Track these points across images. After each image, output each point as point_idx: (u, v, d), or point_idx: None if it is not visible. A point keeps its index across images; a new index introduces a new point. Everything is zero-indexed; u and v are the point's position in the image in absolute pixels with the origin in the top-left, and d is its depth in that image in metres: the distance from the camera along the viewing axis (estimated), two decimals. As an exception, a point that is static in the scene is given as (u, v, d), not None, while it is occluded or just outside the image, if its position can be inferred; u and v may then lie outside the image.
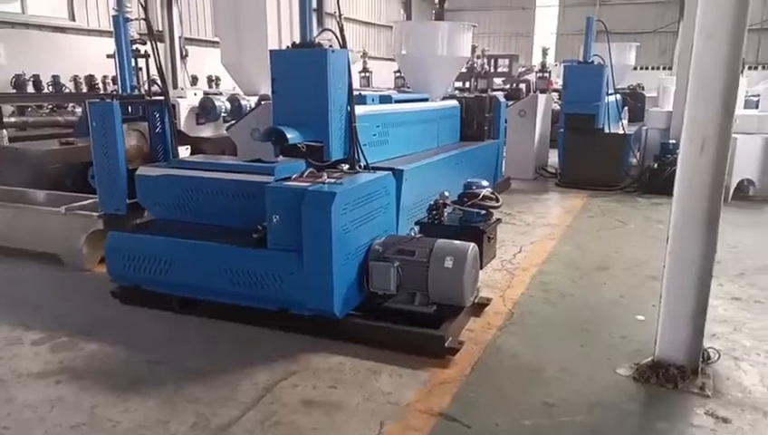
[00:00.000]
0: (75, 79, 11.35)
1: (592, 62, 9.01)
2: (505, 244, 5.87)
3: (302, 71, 4.49)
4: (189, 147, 6.76)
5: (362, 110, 5.24)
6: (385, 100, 6.11)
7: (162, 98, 5.08)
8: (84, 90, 11.19)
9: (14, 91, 10.24)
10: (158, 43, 14.71)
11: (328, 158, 4.66)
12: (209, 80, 13.92)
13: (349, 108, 4.81)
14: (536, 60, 24.85)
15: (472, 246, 3.95)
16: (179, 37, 14.87)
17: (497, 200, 5.33)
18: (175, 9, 14.31)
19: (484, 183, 5.39)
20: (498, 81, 17.67)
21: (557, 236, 6.44)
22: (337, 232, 3.66)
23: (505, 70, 18.91)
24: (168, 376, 3.41)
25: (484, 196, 5.21)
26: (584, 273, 5.24)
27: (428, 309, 3.92)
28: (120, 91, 5.14)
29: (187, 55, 14.77)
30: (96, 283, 4.62)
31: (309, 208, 3.68)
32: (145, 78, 5.45)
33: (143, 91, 5.27)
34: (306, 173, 4.28)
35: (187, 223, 4.49)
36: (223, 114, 7.15)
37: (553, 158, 10.83)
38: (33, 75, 10.66)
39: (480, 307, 4.28)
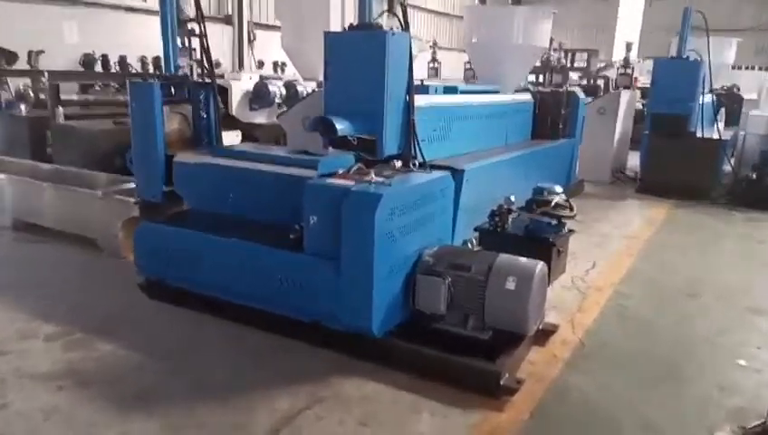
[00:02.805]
0: (143, 59, 11.37)
1: (687, 57, 8.04)
2: (577, 257, 5.19)
3: (358, 55, 4.01)
4: (240, 132, 6.43)
5: (423, 101, 4.70)
6: (450, 90, 5.53)
7: (209, 80, 4.73)
8: (151, 70, 11.19)
9: (83, 69, 10.31)
10: (227, 26, 14.64)
11: (381, 153, 4.19)
12: (275, 65, 13.72)
13: (408, 98, 4.31)
14: (617, 56, 23.42)
15: (540, 265, 3.35)
16: (248, 21, 14.81)
17: (571, 209, 4.67)
18: (244, -8, 14.25)
19: (558, 189, 4.74)
20: (575, 76, 16.64)
21: (636, 251, 5.68)
22: (381, 239, 3.15)
23: (583, 65, 17.81)
24: (179, 391, 3.02)
25: (556, 204, 4.57)
26: (669, 299, 4.51)
27: (483, 335, 3.36)
28: (165, 72, 4.81)
29: (254, 39, 14.70)
30: (128, 272, 4.33)
31: (350, 211, 3.19)
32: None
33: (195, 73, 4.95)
34: (353, 169, 3.80)
35: (224, 216, 4.11)
36: (277, 100, 6.79)
37: (633, 161, 9.91)
38: (103, 54, 10.72)
39: (545, 334, 3.67)
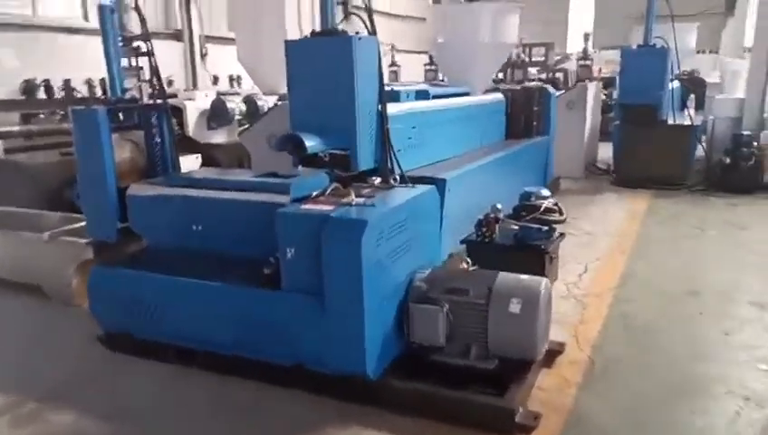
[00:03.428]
0: (89, 82, 10.74)
1: (654, 45, 7.93)
2: (567, 261, 4.93)
3: (323, 63, 3.68)
4: (200, 155, 6.01)
5: (395, 109, 4.38)
6: (422, 96, 5.23)
7: (160, 102, 4.31)
8: (99, 94, 10.58)
9: (24, 97, 9.64)
10: (176, 42, 14.02)
11: (355, 168, 3.86)
12: (230, 79, 13.23)
13: (380, 107, 4.00)
14: (571, 48, 23.61)
15: (544, 283, 3.05)
16: (199, 36, 14.27)
17: (561, 213, 4.43)
18: (193, 5, 13.70)
19: (545, 192, 4.50)
20: (533, 70, 16.63)
21: (626, 248, 5.47)
22: (369, 270, 2.80)
23: (541, 59, 17.84)
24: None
25: (546, 208, 4.32)
26: (671, 300, 4.28)
27: (488, 364, 3.04)
28: (110, 96, 4.36)
29: (206, 54, 14.15)
30: (83, 323, 3.86)
31: (332, 241, 2.83)
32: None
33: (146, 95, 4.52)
34: (329, 190, 3.45)
35: (188, 253, 3.69)
36: (237, 117, 6.40)
37: (603, 152, 9.81)
38: (45, 80, 10.06)
39: (551, 354, 3.37)
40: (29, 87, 9.79)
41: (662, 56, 7.82)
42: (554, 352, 3.39)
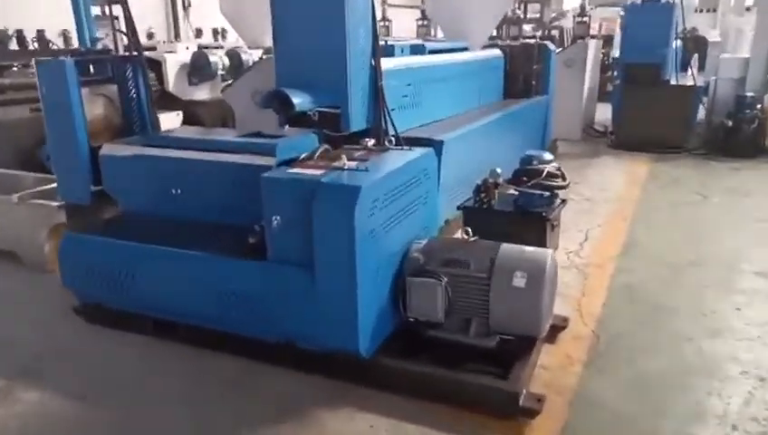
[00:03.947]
0: (64, 34, 10.21)
1: (658, 0, 7.57)
2: (567, 228, 4.72)
3: (312, 12, 3.37)
4: (181, 112, 5.66)
5: (390, 64, 4.08)
6: (417, 50, 4.90)
7: (135, 53, 3.96)
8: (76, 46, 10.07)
9: (-6, 48, 9.13)
10: (157, -8, 13.27)
11: (346, 128, 3.61)
12: (215, 32, 12.68)
13: (374, 62, 3.71)
14: (567, 4, 23.00)
15: (550, 255, 2.84)
16: (181, -15, 13.60)
17: (564, 178, 4.18)
18: (175, -47, 13.02)
19: (547, 156, 4.23)
20: (528, 27, 16.15)
21: (628, 215, 5.27)
22: (362, 240, 2.57)
23: (536, 15, 17.33)
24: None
25: (548, 173, 4.07)
26: (675, 270, 4.10)
27: (489, 342, 2.85)
28: (80, 46, 4.01)
29: (189, 5, 13.53)
30: (59, 292, 3.62)
31: (322, 209, 2.58)
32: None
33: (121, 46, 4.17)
34: (318, 153, 3.18)
35: (166, 219, 3.44)
36: (220, 72, 6.03)
37: (600, 114, 9.54)
38: (17, 30, 9.53)
39: (554, 329, 3.18)
40: (0, 38, 9.27)
41: (667, 12, 7.48)
42: (557, 328, 3.21)
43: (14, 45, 9.50)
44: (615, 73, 8.81)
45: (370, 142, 3.37)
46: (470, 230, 3.02)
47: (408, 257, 2.94)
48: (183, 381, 2.91)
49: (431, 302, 2.78)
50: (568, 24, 16.44)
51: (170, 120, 5.43)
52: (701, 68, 9.93)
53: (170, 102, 5.68)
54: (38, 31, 9.64)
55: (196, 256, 3.01)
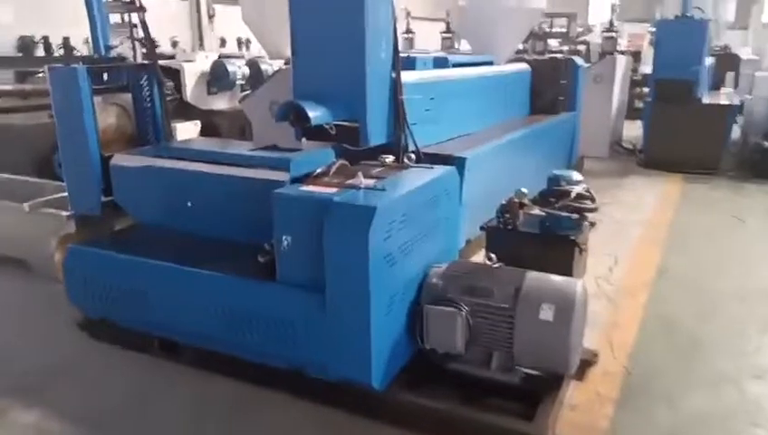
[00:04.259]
0: (89, 41, 10.26)
1: (691, 16, 7.32)
2: (594, 251, 4.45)
3: (331, 22, 3.23)
4: (199, 122, 5.56)
5: (411, 77, 3.92)
6: (440, 63, 4.74)
7: (150, 61, 3.86)
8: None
9: (20, 54, 9.22)
10: (183, 1, 13.49)
11: (365, 142, 3.46)
12: (239, 42, 12.71)
13: (394, 74, 3.57)
14: (592, 19, 22.76)
15: (580, 285, 2.63)
16: (207, -5, 13.68)
17: (593, 200, 3.97)
18: (201, -36, 13.09)
19: (576, 176, 4.02)
20: (554, 42, 15.91)
21: (660, 239, 5.01)
22: (377, 264, 2.39)
23: (562, 30, 17.11)
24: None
25: (578, 194, 3.85)
26: (714, 300, 3.83)
27: (512, 377, 2.64)
28: (93, 54, 3.92)
29: (214, 14, 13.59)
30: (64, 302, 3.48)
31: (335, 230, 2.41)
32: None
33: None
34: (334, 168, 3.02)
35: (176, 233, 3.30)
36: (239, 81, 5.93)
37: (627, 131, 9.27)
38: (44, 37, 9.62)
39: (582, 364, 2.94)
40: (25, 44, 9.36)
41: (701, 28, 7.21)
42: (586, 362, 2.98)
43: (40, 52, 9.59)
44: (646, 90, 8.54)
45: (389, 159, 3.20)
46: (494, 256, 2.81)
47: (426, 283, 2.75)
48: (186, 406, 2.75)
49: (450, 332, 2.58)
50: (595, 39, 16.17)
51: (188, 130, 5.33)
52: (734, 86, 9.62)
53: (188, 112, 5.59)
54: (64, 38, 9.71)
55: (203, 274, 2.84)
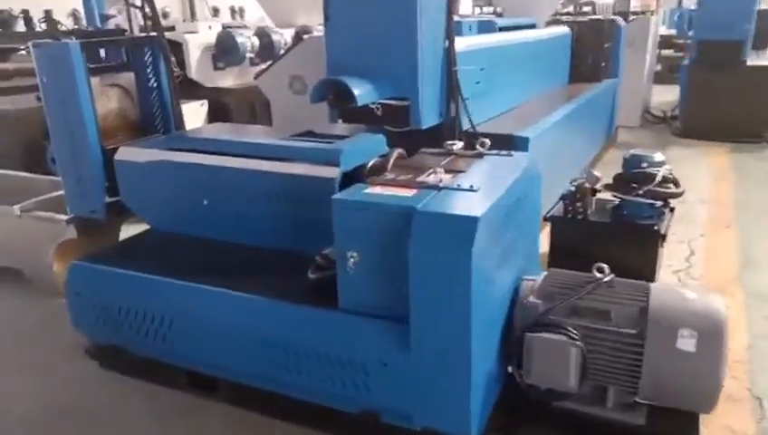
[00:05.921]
0: (74, 14, 9.49)
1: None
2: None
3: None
4: (206, 102, 4.95)
5: (462, 45, 3.33)
6: (486, 28, 4.14)
7: (153, 34, 3.25)
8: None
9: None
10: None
11: (417, 123, 2.95)
12: (231, 11, 11.91)
13: (447, 42, 3.04)
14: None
15: (722, 304, 2.10)
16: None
17: (677, 184, 3.45)
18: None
19: (658, 157, 3.50)
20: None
21: (730, 220, 4.50)
22: (479, 287, 1.85)
23: (566, -11, 16.32)
24: None
25: (664, 178, 3.34)
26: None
27: (636, 418, 2.14)
28: (87, 26, 3.30)
29: (205, -17, 12.72)
30: (67, 321, 2.95)
31: (426, 247, 1.85)
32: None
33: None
34: (392, 160, 2.47)
35: (199, 241, 2.75)
36: (248, 54, 5.29)
37: (656, 97, 8.70)
38: (23, 10, 8.82)
39: (698, 388, 2.45)
40: (3, 18, 8.58)
41: (751, -17, 6.60)
42: (705, 385, 2.48)
43: (21, 27, 8.82)
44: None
45: (457, 145, 2.63)
46: (605, 267, 2.26)
47: (520, 302, 2.22)
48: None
49: (561, 367, 2.05)
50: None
51: (194, 111, 4.73)
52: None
53: (193, 90, 4.97)
54: (45, 11, 8.93)
55: (239, 296, 2.30)
